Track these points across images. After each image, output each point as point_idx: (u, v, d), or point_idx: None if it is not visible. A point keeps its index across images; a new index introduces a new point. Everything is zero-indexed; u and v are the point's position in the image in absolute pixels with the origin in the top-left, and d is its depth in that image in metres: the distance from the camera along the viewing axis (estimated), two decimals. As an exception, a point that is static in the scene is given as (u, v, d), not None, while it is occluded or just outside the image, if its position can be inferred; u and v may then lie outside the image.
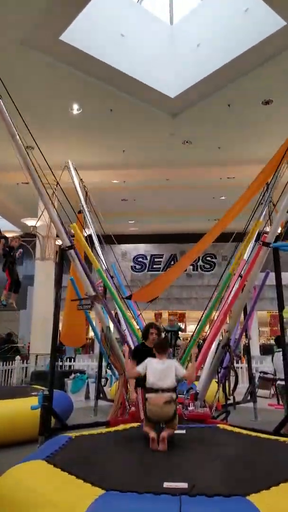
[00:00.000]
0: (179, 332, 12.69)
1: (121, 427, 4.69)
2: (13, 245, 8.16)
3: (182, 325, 22.71)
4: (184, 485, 2.56)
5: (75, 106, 10.07)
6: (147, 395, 4.03)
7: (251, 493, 2.43)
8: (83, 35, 8.28)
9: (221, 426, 4.78)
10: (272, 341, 14.77)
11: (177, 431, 4.02)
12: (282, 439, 3.94)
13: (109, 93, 9.45)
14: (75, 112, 10.26)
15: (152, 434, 3.74)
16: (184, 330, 16.35)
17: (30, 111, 8.90)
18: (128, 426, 4.70)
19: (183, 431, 4.24)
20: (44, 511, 2.46)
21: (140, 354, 4.88)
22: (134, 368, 4.39)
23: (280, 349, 6.78)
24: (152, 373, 4.08)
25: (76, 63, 8.65)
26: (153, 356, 4.34)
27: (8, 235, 13.71)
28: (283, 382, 6.49)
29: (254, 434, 4.23)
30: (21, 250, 8.37)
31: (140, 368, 4.24)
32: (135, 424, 4.78)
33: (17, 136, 5.34)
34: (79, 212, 8.42)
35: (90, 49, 8.44)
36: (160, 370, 4.08)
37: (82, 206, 8.46)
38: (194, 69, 9.29)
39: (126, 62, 8.98)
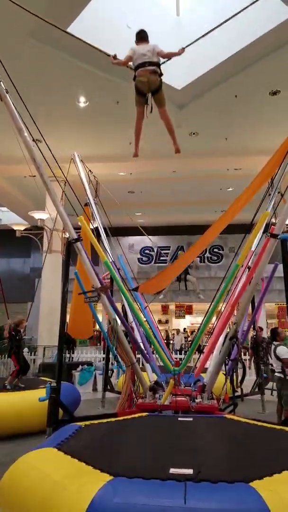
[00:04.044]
0: (188, 269, 12.58)
1: (129, 416, 4.77)
2: (19, 328, 7.86)
3: (187, 327, 22.77)
4: (189, 471, 2.63)
5: (82, 99, 10.07)
6: (136, 72, 4.69)
7: (254, 480, 2.49)
8: (89, 28, 8.25)
9: (227, 416, 4.83)
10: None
11: (184, 418, 4.07)
12: (287, 428, 3.98)
13: (116, 85, 9.42)
14: (81, 104, 10.25)
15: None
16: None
17: (37, 104, 8.92)
18: (136, 415, 4.77)
19: (190, 418, 4.31)
20: (55, 495, 2.56)
21: None
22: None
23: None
24: (138, 54, 4.77)
25: (83, 56, 8.63)
26: None
27: (15, 228, 13.79)
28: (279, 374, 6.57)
29: (260, 424, 4.27)
30: (25, 325, 8.07)
31: (127, 54, 4.86)
32: (143, 414, 4.85)
33: (24, 131, 5.37)
34: (86, 204, 8.45)
35: (96, 41, 8.39)
36: (142, 48, 4.81)
37: (89, 198, 8.48)
38: (200, 60, 9.20)
39: (132, 54, 8.93)
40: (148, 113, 5.09)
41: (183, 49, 5.09)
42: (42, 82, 9.37)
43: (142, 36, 5.16)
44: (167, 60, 5.04)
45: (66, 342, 12.98)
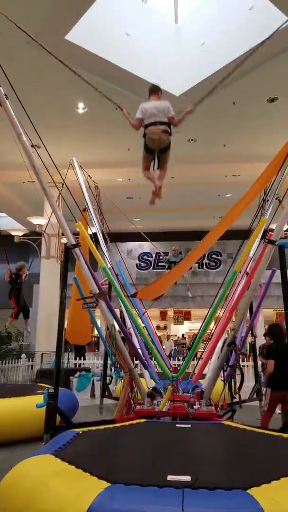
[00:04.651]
0: None
1: (127, 423, 4.75)
2: (21, 273, 8.12)
3: (186, 333, 22.70)
4: (187, 478, 2.61)
5: (81, 105, 10.11)
6: (147, 129, 4.74)
7: (252, 486, 2.48)
8: (88, 35, 8.31)
9: (225, 422, 4.82)
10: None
11: (182, 425, 4.06)
12: (285, 435, 3.97)
13: (114, 91, 9.44)
14: (80, 111, 10.30)
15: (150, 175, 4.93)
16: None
17: (36, 110, 8.95)
18: (134, 422, 4.76)
19: (188, 425, 4.29)
20: (52, 503, 2.54)
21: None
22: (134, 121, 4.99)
23: None
24: (149, 113, 4.81)
25: (82, 63, 8.67)
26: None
27: (14, 233, 13.79)
28: None
29: (258, 430, 4.26)
30: (26, 273, 8.31)
31: (138, 115, 4.88)
32: (141, 420, 4.83)
33: (23, 136, 5.38)
34: (84, 209, 8.46)
35: (95, 48, 8.47)
36: (153, 107, 4.82)
37: (87, 204, 8.49)
38: (199, 67, 9.28)
39: (131, 61, 9.00)
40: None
41: (194, 106, 5.21)
42: (41, 88, 9.41)
43: (153, 90, 5.20)
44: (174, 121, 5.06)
45: (77, 348, 13.06)
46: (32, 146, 5.58)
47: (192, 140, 11.65)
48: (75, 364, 12.79)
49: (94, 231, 8.56)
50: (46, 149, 5.72)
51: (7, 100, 5.29)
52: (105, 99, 8.59)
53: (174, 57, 9.49)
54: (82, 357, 13.07)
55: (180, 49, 9.54)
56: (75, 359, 13.02)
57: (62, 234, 8.97)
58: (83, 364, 12.84)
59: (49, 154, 5.72)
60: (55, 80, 9.20)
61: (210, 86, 9.30)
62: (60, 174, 6.47)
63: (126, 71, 8.95)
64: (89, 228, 8.33)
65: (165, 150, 4.88)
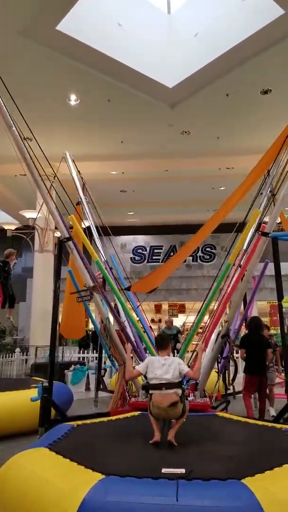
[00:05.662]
0: (179, 335, 12.64)
1: (122, 416, 4.76)
2: (9, 260, 7.88)
3: (180, 326, 22.78)
4: (181, 470, 2.62)
5: (73, 97, 10.01)
6: (151, 392, 3.78)
7: (246, 477, 2.50)
8: (80, 25, 8.21)
9: (220, 414, 4.84)
10: (273, 331, 14.81)
11: None
12: (278, 426, 4.00)
13: (107, 83, 9.38)
14: (72, 102, 10.19)
15: (157, 436, 3.60)
16: (183, 333, 14.65)
17: (27, 102, 8.86)
18: (129, 414, 4.77)
19: None
20: (47, 495, 2.54)
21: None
22: (133, 369, 4.14)
23: None
24: (154, 370, 3.82)
25: (73, 53, 8.57)
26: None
27: (6, 227, 13.69)
28: None
29: (252, 421, 4.29)
30: (15, 261, 8.04)
31: (140, 367, 4.02)
32: (136, 413, 4.85)
33: (14, 127, 5.32)
34: (77, 203, 8.42)
35: (87, 39, 8.37)
36: (162, 366, 3.82)
37: (80, 197, 8.45)
38: (192, 59, 9.20)
39: (124, 52, 8.90)
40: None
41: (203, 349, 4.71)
42: (32, 81, 9.29)
43: (162, 345, 4.21)
44: None
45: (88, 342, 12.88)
46: (24, 139, 5.52)
47: (185, 132, 11.59)
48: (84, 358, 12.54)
49: (87, 224, 8.52)
50: (36, 140, 5.66)
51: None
52: (97, 90, 8.53)
53: (167, 48, 9.40)
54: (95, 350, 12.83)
55: (173, 40, 9.45)
56: (93, 352, 12.79)
57: (56, 228, 8.93)
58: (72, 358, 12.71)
59: (39, 146, 5.67)
60: (47, 71, 9.09)
61: (204, 78, 9.34)
62: (51, 167, 6.42)
63: (118, 62, 8.86)
64: (82, 222, 8.29)
65: (178, 418, 3.79)
